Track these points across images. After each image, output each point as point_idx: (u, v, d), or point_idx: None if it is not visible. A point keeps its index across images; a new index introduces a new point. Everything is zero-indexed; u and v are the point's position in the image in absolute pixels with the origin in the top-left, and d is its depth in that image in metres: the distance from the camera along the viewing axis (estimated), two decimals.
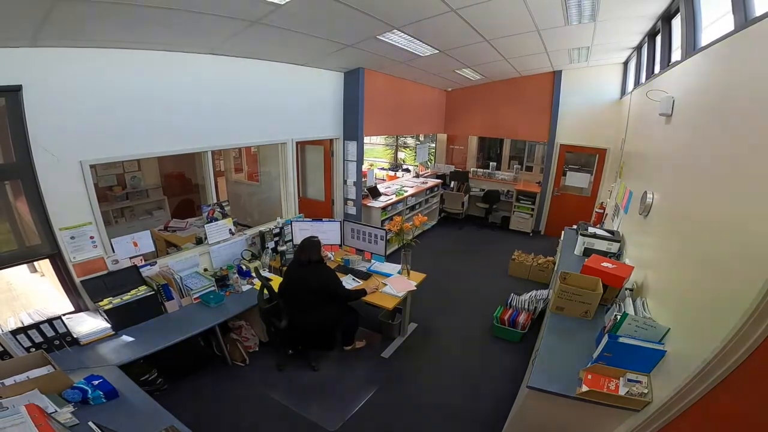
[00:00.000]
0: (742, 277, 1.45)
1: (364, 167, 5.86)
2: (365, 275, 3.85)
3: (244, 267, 3.85)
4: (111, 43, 2.74)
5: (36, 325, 2.47)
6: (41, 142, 2.54)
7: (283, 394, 3.09)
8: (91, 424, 1.76)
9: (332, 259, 4.22)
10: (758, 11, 1.83)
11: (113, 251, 3.08)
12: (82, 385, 2.04)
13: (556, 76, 6.51)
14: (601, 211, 5.45)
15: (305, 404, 3.00)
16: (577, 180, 6.90)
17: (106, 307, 2.80)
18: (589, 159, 6.90)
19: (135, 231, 3.28)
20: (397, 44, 3.94)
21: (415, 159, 9.09)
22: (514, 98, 7.08)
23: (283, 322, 3.12)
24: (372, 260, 4.15)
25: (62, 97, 2.60)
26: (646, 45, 4.24)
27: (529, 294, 4.25)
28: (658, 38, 3.74)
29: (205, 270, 3.76)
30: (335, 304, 3.26)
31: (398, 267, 3.97)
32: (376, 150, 11.94)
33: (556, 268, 4.45)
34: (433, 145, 9.07)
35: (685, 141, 2.53)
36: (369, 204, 5.82)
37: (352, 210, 5.68)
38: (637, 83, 4.85)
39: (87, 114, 2.75)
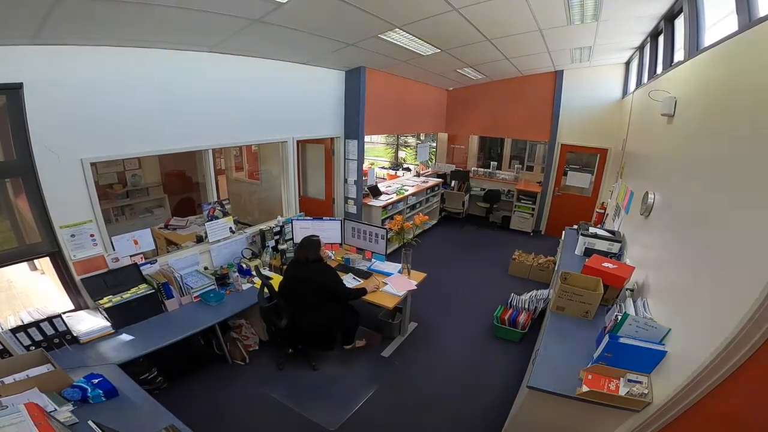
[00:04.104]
0: (743, 277, 1.45)
1: (365, 166, 5.85)
2: (366, 274, 3.85)
3: (244, 265, 3.84)
4: (112, 41, 2.74)
5: (36, 324, 2.46)
6: (42, 140, 2.53)
7: (283, 393, 3.09)
8: (90, 423, 1.76)
9: (333, 258, 4.22)
10: (762, 12, 1.82)
11: (113, 249, 3.07)
12: (81, 384, 2.03)
13: (557, 75, 6.49)
14: (602, 211, 5.45)
15: (305, 403, 3.00)
16: (578, 180, 6.89)
17: (106, 306, 2.80)
18: (590, 159, 6.89)
19: (135, 229, 3.27)
20: (398, 43, 3.93)
21: (415, 158, 9.08)
22: (516, 98, 7.07)
23: (283, 321, 3.12)
24: (372, 259, 4.15)
25: (63, 95, 2.60)
26: (648, 45, 4.22)
27: (530, 294, 4.24)
28: (661, 38, 3.73)
29: (206, 268, 3.76)
30: (335, 303, 3.26)
31: (399, 266, 3.97)
32: (376, 149, 11.93)
33: (556, 268, 4.45)
34: (434, 144, 9.05)
35: (687, 141, 2.53)
36: (370, 203, 5.82)
37: (352, 209, 5.68)
38: (639, 83, 4.84)
39: (87, 112, 2.74)
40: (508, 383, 3.23)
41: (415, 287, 3.65)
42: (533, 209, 7.15)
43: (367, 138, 5.59)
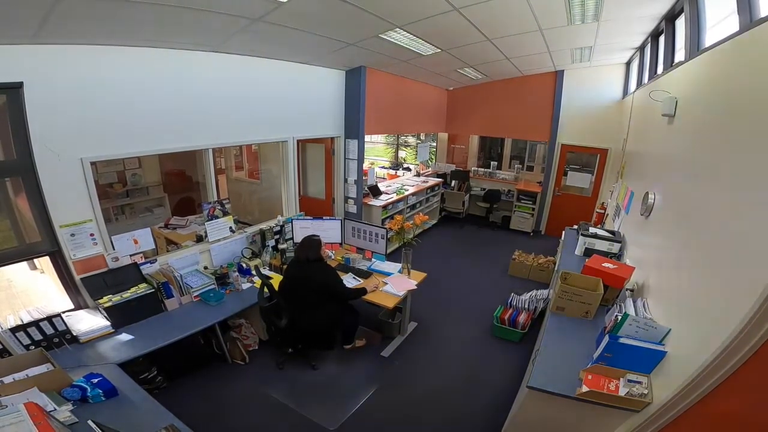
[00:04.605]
0: (744, 278, 1.45)
1: (365, 166, 5.85)
2: (366, 274, 3.85)
3: (244, 265, 3.84)
4: (113, 41, 2.73)
5: (35, 323, 2.46)
6: (42, 139, 2.53)
7: (283, 393, 3.09)
8: (90, 422, 1.75)
9: (333, 257, 4.22)
10: (763, 12, 1.81)
11: (113, 249, 3.07)
12: (81, 384, 2.03)
13: (558, 75, 6.49)
14: (602, 211, 5.45)
15: (305, 403, 2.99)
16: (578, 180, 6.88)
17: (106, 305, 2.80)
18: (590, 159, 6.89)
19: (135, 228, 3.27)
20: (399, 43, 3.93)
21: (415, 158, 9.08)
22: (516, 98, 7.07)
23: (283, 321, 3.12)
24: (372, 259, 4.15)
25: (63, 94, 2.59)
26: (649, 45, 4.22)
27: (530, 294, 4.25)
28: (662, 38, 3.72)
29: (206, 268, 3.75)
30: (335, 303, 3.26)
31: (399, 266, 3.96)
32: (376, 148, 11.91)
33: (556, 268, 4.45)
34: (434, 144, 9.05)
35: (688, 142, 2.52)
36: (370, 203, 5.81)
37: (352, 208, 5.68)
38: (639, 83, 4.83)
39: (87, 111, 2.74)
40: (507, 383, 3.23)
41: (415, 287, 3.65)
42: (533, 209, 7.15)
43: (367, 138, 5.59)
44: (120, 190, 5.30)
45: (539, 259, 5.37)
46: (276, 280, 3.46)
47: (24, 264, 3.58)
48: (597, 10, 3.21)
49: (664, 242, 2.55)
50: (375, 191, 6.14)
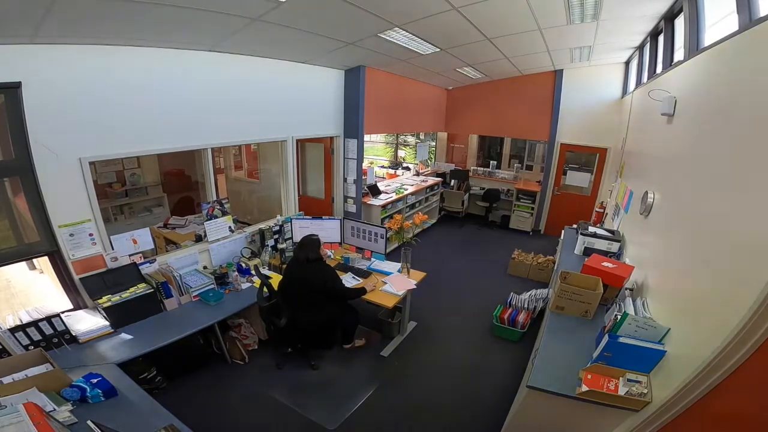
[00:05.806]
0: (743, 277, 1.45)
1: (364, 165, 5.85)
2: (365, 273, 3.85)
3: (243, 265, 3.84)
4: (111, 40, 2.73)
5: (35, 323, 2.46)
6: (40, 139, 2.53)
7: (283, 392, 3.09)
8: (89, 422, 1.75)
9: (332, 257, 4.22)
10: (762, 12, 1.81)
11: (112, 248, 3.07)
12: (80, 384, 2.03)
13: (557, 75, 6.49)
14: (602, 210, 5.45)
15: (304, 403, 2.99)
16: (578, 179, 6.89)
17: (105, 305, 2.79)
18: (589, 158, 6.89)
19: (134, 228, 3.27)
20: (398, 42, 3.93)
21: (415, 157, 9.08)
22: (515, 97, 7.07)
23: (282, 321, 3.12)
24: (372, 258, 4.14)
25: (61, 93, 2.59)
26: (648, 44, 4.22)
27: (529, 293, 4.25)
28: (661, 38, 3.72)
29: (205, 268, 3.75)
30: (335, 303, 3.26)
31: (398, 265, 3.96)
32: (376, 148, 11.90)
33: (556, 268, 4.45)
34: (434, 143, 9.05)
35: (687, 141, 2.52)
36: (369, 202, 5.81)
37: (352, 208, 5.68)
38: (638, 83, 4.83)
39: (86, 111, 2.74)
40: (507, 383, 3.24)
41: (415, 286, 3.65)
42: (532, 208, 7.16)
43: (366, 137, 5.59)
44: (119, 189, 5.29)
45: (538, 258, 5.38)
46: (275, 279, 3.46)
47: (23, 264, 3.58)
48: (596, 9, 3.21)
49: (663, 241, 2.55)
50: (374, 191, 6.13)
